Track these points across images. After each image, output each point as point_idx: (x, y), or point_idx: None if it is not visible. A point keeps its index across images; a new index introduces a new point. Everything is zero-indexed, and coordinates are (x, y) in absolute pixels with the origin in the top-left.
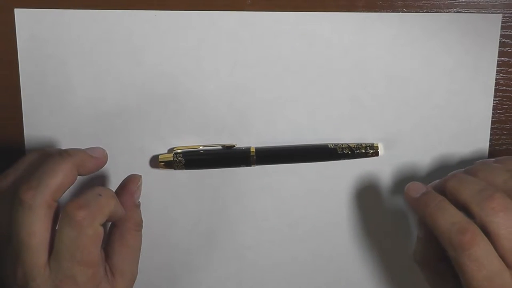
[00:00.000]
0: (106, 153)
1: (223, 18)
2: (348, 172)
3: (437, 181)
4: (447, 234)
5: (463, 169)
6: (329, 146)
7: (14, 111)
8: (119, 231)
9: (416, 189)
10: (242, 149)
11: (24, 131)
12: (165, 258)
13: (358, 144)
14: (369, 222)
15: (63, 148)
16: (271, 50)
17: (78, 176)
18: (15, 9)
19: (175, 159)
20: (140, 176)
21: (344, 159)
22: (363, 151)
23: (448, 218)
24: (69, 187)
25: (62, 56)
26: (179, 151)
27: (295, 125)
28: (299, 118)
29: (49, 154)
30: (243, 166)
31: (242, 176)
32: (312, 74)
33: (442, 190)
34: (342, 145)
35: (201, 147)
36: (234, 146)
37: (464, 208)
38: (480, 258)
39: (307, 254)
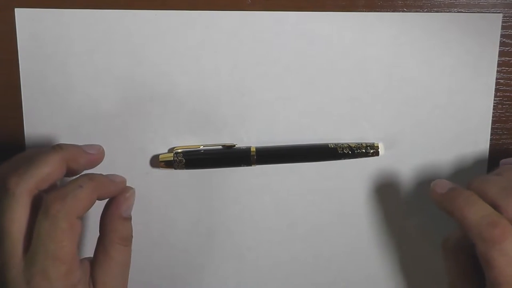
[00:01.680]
0: (103, 150)
1: (223, 17)
2: (348, 172)
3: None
4: (477, 228)
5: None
6: (329, 145)
7: (14, 110)
8: (102, 242)
9: (442, 185)
10: (243, 148)
11: (25, 131)
12: (165, 258)
13: (358, 144)
14: (369, 222)
15: None
16: (271, 50)
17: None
18: (16, 9)
19: (176, 158)
20: (131, 189)
21: (344, 159)
22: (364, 151)
23: (478, 211)
24: (58, 179)
25: (62, 56)
26: (179, 150)
27: (295, 125)
28: (299, 118)
29: (44, 149)
30: (243, 166)
31: (242, 176)
32: (312, 74)
33: (466, 188)
34: (343, 144)
35: (201, 146)
36: (234, 145)
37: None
38: (510, 253)
39: (307, 254)
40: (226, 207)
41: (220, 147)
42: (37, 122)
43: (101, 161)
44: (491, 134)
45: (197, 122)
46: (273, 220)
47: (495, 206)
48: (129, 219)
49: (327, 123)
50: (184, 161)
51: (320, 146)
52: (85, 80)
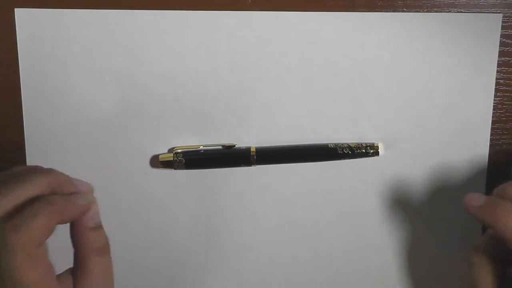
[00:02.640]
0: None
1: (223, 17)
2: (348, 172)
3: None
4: None
5: None
6: (329, 146)
7: (14, 110)
8: (78, 256)
9: (476, 198)
10: (243, 148)
11: (24, 131)
12: (165, 258)
13: (358, 144)
14: (369, 222)
15: (63, 146)
16: (271, 50)
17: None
18: (15, 9)
19: (175, 159)
20: (92, 197)
21: (344, 159)
22: (364, 151)
23: None
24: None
25: (62, 56)
26: (179, 151)
27: (295, 125)
28: (299, 118)
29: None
30: (243, 166)
31: (242, 176)
32: (312, 74)
33: (502, 197)
34: (343, 144)
35: (201, 146)
36: (234, 146)
37: None
38: None
39: (307, 254)
40: (226, 207)
41: (220, 147)
42: (37, 122)
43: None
44: (491, 134)
45: (197, 122)
46: (273, 220)
47: None
48: (99, 227)
49: (327, 123)
50: (184, 161)
51: (320, 146)
52: (85, 80)
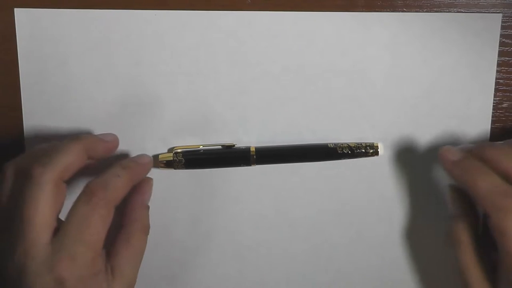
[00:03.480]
0: (117, 138)
1: (222, 17)
2: (348, 172)
3: (469, 145)
4: (489, 197)
5: (501, 142)
6: (329, 145)
7: (14, 110)
8: (126, 231)
9: (454, 152)
10: (242, 148)
11: (24, 131)
12: (165, 258)
13: (358, 144)
14: (368, 222)
15: None
16: (271, 50)
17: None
18: (15, 9)
19: (175, 158)
20: (152, 179)
21: (344, 159)
22: (363, 150)
23: (491, 181)
24: (78, 169)
25: (62, 56)
26: (179, 150)
27: (295, 125)
28: (299, 117)
29: (63, 140)
30: (243, 166)
31: (242, 176)
32: (312, 74)
33: (479, 158)
34: (342, 144)
35: (201, 146)
36: (234, 145)
37: (504, 177)
38: None
39: (307, 254)
40: (226, 207)
41: (220, 147)
42: (36, 122)
43: (117, 149)
44: (491, 134)
45: (196, 122)
46: (273, 220)
47: (507, 176)
48: (148, 208)
49: (327, 123)
50: (184, 161)
51: (320, 146)
52: (84, 80)
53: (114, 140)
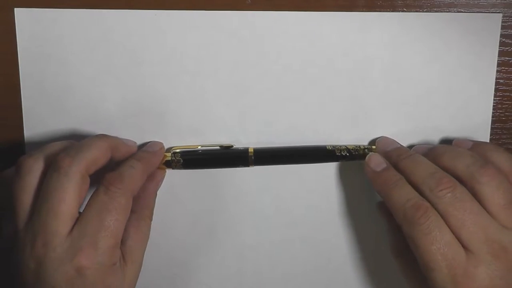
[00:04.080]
0: (136, 145)
1: (223, 17)
2: (347, 172)
3: (396, 147)
4: (401, 210)
5: (427, 146)
6: (327, 147)
7: (14, 111)
8: (136, 216)
9: (376, 162)
10: (240, 149)
11: (24, 131)
12: (165, 258)
13: (356, 146)
14: (368, 222)
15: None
16: (271, 50)
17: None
18: (15, 9)
19: (173, 158)
20: (165, 170)
21: (342, 161)
22: (361, 153)
23: (404, 194)
24: (102, 165)
25: (62, 56)
26: (177, 150)
27: (294, 126)
28: (298, 118)
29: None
30: (241, 167)
31: (241, 176)
32: (312, 74)
33: (396, 165)
34: (340, 147)
35: (199, 147)
36: (232, 146)
37: (416, 187)
38: (432, 232)
39: (307, 254)
40: (225, 207)
41: (218, 147)
42: (36, 122)
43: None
44: (491, 134)
45: (195, 122)
46: (272, 220)
47: (420, 190)
48: (156, 195)
49: (327, 123)
50: (182, 161)
51: (318, 148)
52: (85, 80)
53: (134, 146)
